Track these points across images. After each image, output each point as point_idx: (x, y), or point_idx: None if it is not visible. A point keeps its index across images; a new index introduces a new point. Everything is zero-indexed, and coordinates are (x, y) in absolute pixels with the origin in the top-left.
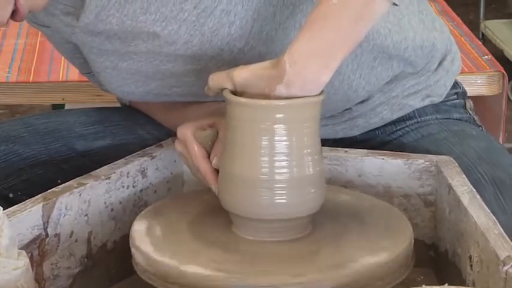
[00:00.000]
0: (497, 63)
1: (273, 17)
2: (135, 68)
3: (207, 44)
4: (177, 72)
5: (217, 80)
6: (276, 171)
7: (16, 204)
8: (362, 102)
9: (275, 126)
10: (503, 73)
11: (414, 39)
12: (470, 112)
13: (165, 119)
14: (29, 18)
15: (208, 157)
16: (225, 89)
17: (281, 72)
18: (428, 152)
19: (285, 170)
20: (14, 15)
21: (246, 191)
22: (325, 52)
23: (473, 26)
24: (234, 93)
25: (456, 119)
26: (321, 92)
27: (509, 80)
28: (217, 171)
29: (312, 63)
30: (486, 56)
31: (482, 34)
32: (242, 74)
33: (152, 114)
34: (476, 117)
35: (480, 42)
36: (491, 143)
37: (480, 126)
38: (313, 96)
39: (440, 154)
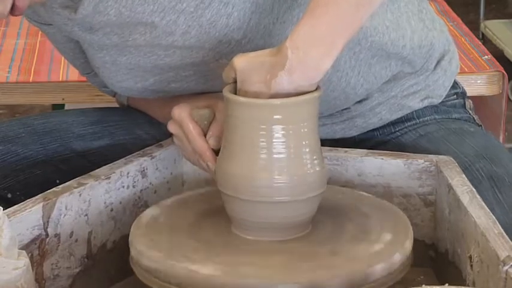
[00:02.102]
0: (497, 63)
1: (271, 10)
2: (133, 63)
3: (204, 35)
4: (175, 66)
5: (225, 73)
6: (275, 170)
7: (14, 204)
8: (361, 101)
9: (273, 125)
10: (503, 73)
11: (412, 38)
12: (470, 112)
13: (163, 114)
14: (32, 17)
15: (205, 136)
16: (229, 84)
17: (283, 58)
18: (426, 150)
19: (284, 169)
20: (13, 9)
21: (245, 189)
22: (327, 38)
23: (473, 26)
24: (235, 92)
25: (455, 118)
26: (318, 88)
27: (509, 80)
28: (214, 151)
29: (314, 49)
30: (486, 56)
31: (482, 34)
32: (243, 60)
33: (151, 111)
34: (476, 117)
35: (480, 42)
36: (489, 139)
37: (480, 125)
38: (310, 92)
39: (439, 152)
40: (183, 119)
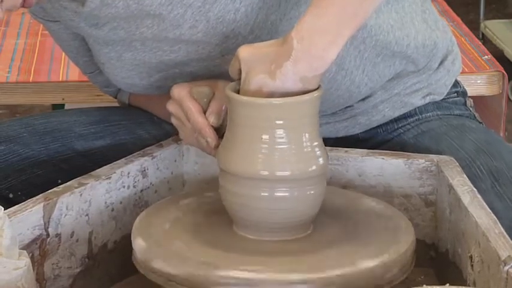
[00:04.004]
0: (497, 63)
1: (279, 6)
2: (139, 59)
3: (211, 30)
4: (181, 62)
5: (231, 66)
6: (276, 168)
7: (15, 204)
8: (364, 99)
9: (274, 125)
10: (503, 73)
11: (416, 37)
12: (470, 109)
13: (164, 110)
14: (38, 14)
15: (205, 114)
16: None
17: (288, 48)
18: (428, 147)
19: (285, 166)
20: (24, 1)
21: (246, 187)
22: (333, 29)
23: (473, 26)
24: (238, 92)
25: (457, 115)
26: (319, 88)
27: (509, 80)
28: (214, 129)
29: (319, 39)
30: (486, 56)
31: (482, 34)
32: (248, 50)
33: (151, 107)
34: (476, 114)
35: (480, 42)
36: (490, 135)
37: (481, 123)
38: (311, 92)
39: (440, 149)
40: (183, 97)
